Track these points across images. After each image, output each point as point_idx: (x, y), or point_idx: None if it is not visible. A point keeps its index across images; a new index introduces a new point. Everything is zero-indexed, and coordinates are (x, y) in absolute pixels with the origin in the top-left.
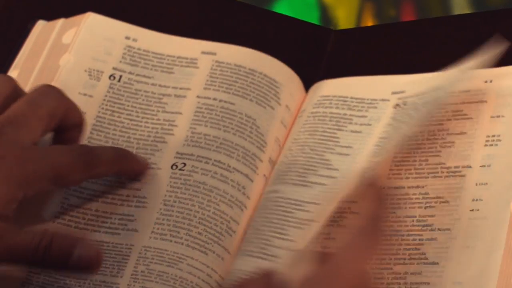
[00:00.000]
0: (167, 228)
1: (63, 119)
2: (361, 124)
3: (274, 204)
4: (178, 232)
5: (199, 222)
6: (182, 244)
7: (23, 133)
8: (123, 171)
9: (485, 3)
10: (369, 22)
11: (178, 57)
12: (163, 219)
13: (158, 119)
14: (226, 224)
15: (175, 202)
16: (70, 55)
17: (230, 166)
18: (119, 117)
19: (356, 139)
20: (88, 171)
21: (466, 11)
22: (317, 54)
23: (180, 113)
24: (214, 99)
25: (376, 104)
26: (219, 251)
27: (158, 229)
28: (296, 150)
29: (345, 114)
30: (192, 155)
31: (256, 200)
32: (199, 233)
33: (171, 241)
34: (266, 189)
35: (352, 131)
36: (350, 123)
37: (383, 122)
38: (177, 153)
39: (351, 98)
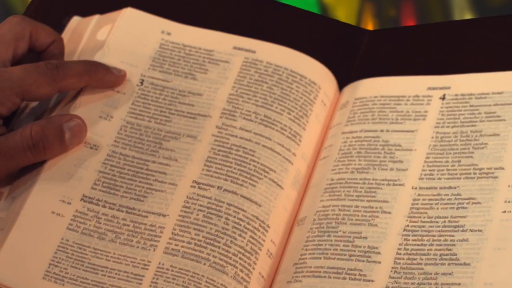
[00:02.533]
0: None
1: (33, 40)
2: (414, 120)
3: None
4: None
5: None
6: None
7: None
8: (94, 82)
9: (485, 4)
10: (369, 22)
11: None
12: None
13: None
14: None
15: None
16: (105, 48)
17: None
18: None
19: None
20: (55, 84)
21: (466, 11)
22: (351, 53)
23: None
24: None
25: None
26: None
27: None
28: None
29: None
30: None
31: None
32: None
33: None
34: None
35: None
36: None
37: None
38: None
39: (391, 96)
